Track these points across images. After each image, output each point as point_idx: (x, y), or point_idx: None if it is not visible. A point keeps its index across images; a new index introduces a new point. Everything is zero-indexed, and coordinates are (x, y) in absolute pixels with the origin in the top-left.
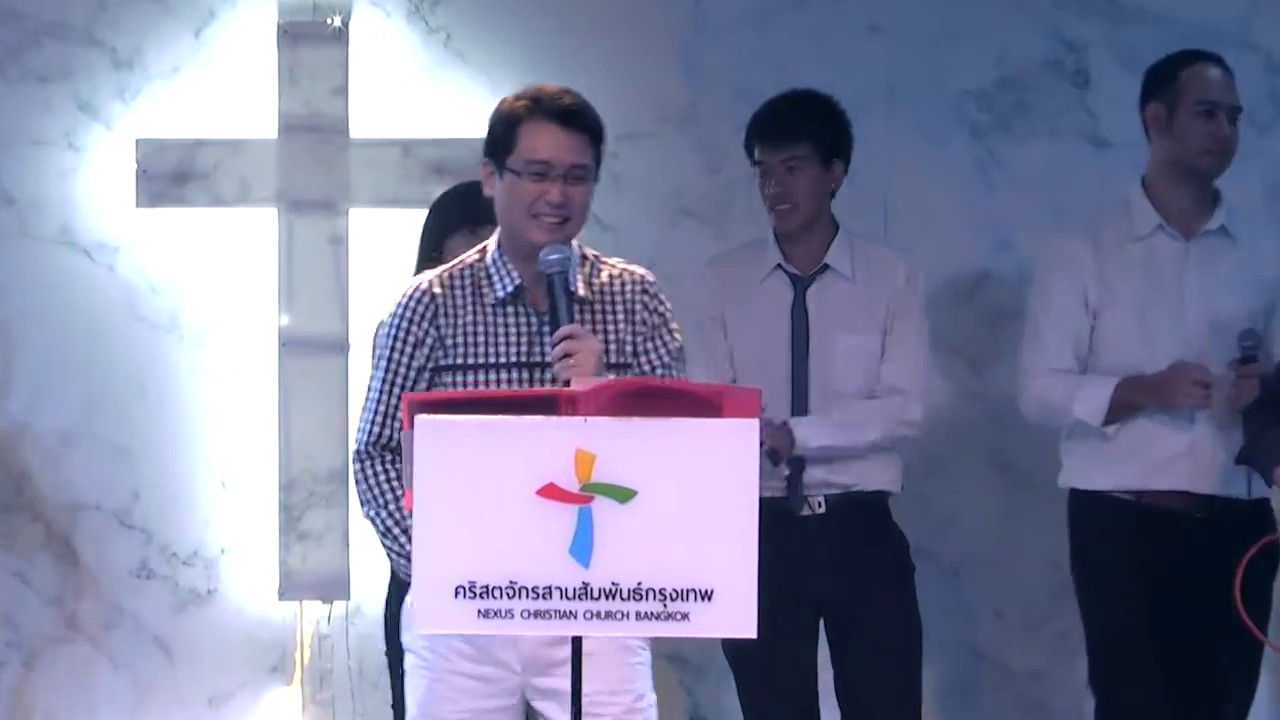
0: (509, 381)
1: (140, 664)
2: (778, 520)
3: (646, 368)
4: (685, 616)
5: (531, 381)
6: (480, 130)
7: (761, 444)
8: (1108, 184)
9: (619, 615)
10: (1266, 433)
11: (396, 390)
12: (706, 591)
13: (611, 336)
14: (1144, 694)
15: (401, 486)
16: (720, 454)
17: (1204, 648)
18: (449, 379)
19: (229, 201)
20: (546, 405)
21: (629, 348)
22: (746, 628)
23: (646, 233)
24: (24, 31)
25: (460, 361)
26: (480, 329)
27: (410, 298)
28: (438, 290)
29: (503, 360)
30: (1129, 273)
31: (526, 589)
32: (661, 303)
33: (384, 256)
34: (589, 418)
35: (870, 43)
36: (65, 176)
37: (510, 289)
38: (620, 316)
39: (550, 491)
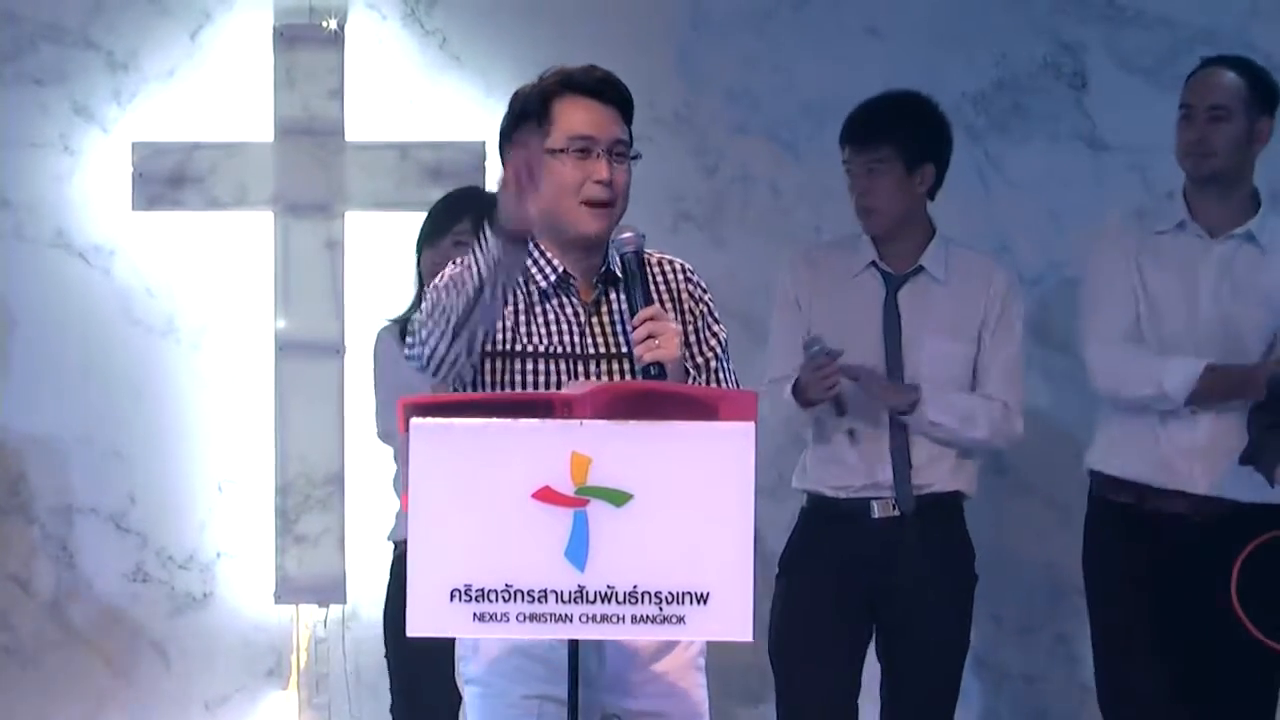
0: (558, 372)
1: (136, 668)
2: (846, 521)
3: (700, 359)
4: (681, 620)
5: (584, 373)
6: (478, 133)
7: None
8: (1105, 186)
9: (615, 619)
10: (1269, 434)
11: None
12: (702, 595)
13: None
14: (1144, 701)
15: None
16: (716, 458)
17: (1215, 655)
18: (496, 365)
19: (225, 204)
20: (542, 408)
21: (680, 338)
22: (742, 631)
23: None
24: (19, 34)
25: (506, 348)
26: (525, 316)
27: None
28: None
29: (552, 350)
30: (1153, 261)
31: (522, 592)
32: (705, 291)
33: (380, 260)
34: (585, 421)
35: (868, 45)
36: (61, 179)
37: (553, 278)
38: (668, 304)
39: (546, 495)
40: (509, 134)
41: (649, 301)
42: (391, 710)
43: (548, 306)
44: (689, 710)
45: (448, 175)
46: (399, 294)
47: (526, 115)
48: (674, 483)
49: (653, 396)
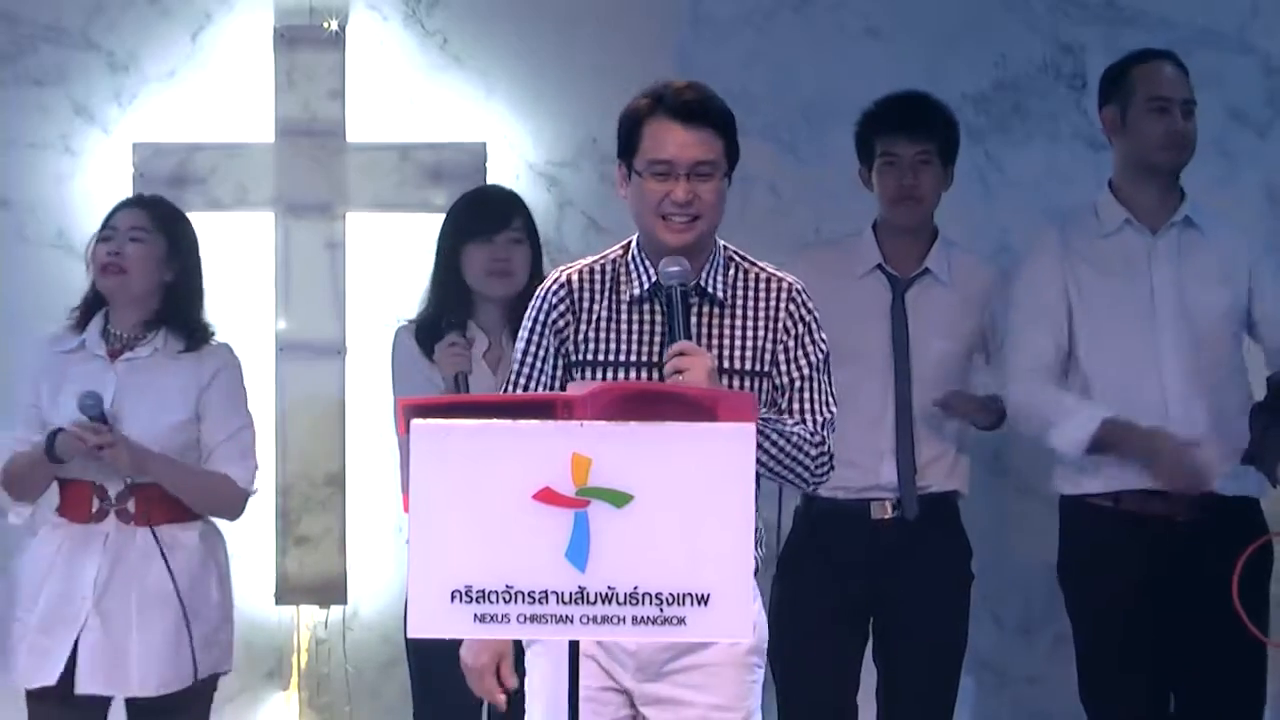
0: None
1: None
2: (845, 522)
3: (785, 379)
4: (681, 621)
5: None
6: (478, 133)
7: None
8: (1105, 186)
9: (615, 619)
10: (1270, 433)
11: (527, 383)
12: (703, 596)
13: (749, 341)
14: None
15: None
16: (716, 458)
17: (1203, 655)
18: (580, 375)
19: (226, 205)
20: (543, 409)
21: (767, 355)
22: (742, 631)
23: None
24: (20, 35)
25: (591, 358)
26: (613, 326)
27: (547, 289)
28: (574, 281)
29: (634, 359)
30: (1098, 269)
31: (523, 593)
32: (809, 311)
33: (381, 260)
34: (585, 422)
35: (869, 46)
36: (62, 180)
37: (647, 286)
38: (761, 321)
39: (546, 496)
40: (617, 150)
41: (686, 335)
42: (415, 716)
43: (635, 315)
44: (718, 703)
45: (448, 176)
46: (400, 294)
47: (621, 137)
48: (674, 484)
49: (653, 398)
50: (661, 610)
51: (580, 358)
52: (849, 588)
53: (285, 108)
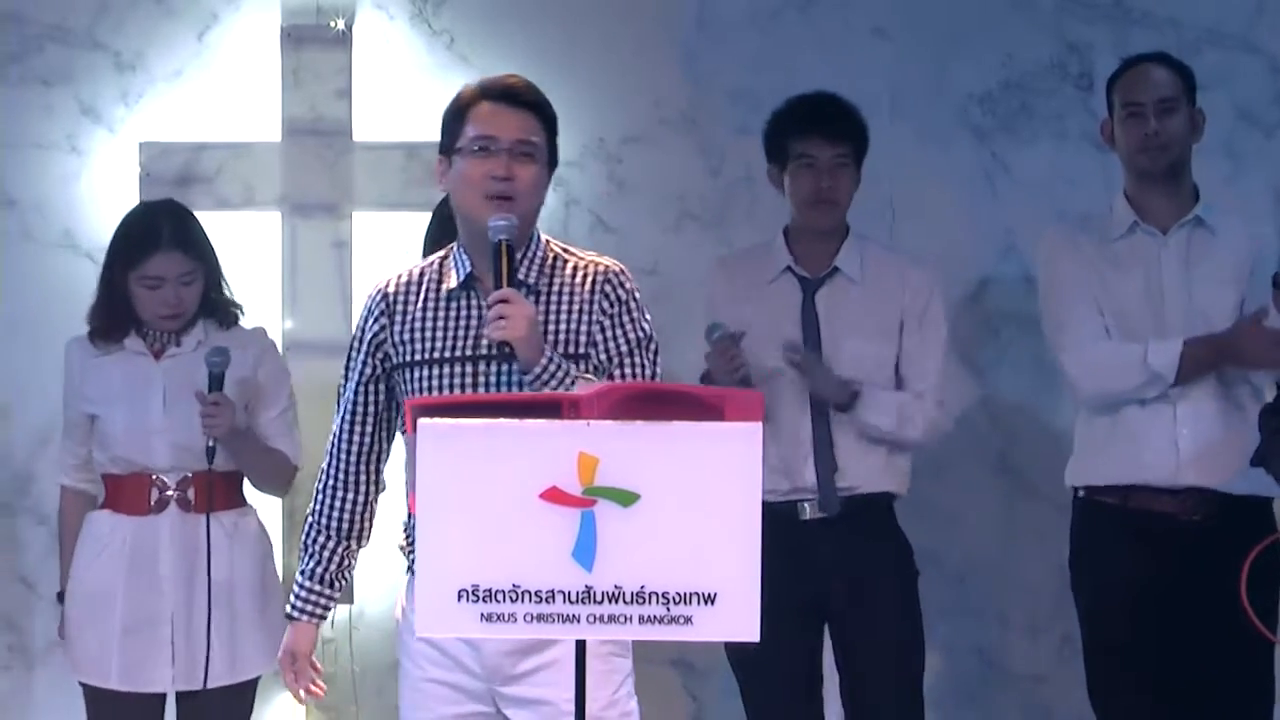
0: (454, 375)
1: None
2: (780, 524)
3: (603, 356)
4: (688, 620)
5: (475, 376)
6: None
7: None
8: (1112, 187)
9: (622, 619)
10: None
11: (354, 394)
12: (709, 595)
13: (562, 325)
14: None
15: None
16: (723, 458)
17: (1212, 655)
18: (402, 377)
19: (233, 205)
20: (549, 409)
21: (583, 337)
22: (749, 631)
23: (649, 235)
24: (26, 35)
25: (409, 359)
26: (429, 324)
27: (368, 300)
28: (391, 289)
29: (451, 354)
30: (1109, 268)
31: (529, 592)
32: (623, 290)
33: (388, 260)
34: (592, 421)
35: (875, 45)
36: (68, 180)
37: (463, 276)
38: (575, 308)
39: (553, 495)
40: (440, 148)
41: (510, 284)
42: None
43: (452, 309)
44: (571, 696)
45: None
46: None
47: (446, 129)
48: (681, 483)
49: (659, 397)
50: (668, 609)
51: (400, 359)
52: (793, 592)
53: (291, 107)
